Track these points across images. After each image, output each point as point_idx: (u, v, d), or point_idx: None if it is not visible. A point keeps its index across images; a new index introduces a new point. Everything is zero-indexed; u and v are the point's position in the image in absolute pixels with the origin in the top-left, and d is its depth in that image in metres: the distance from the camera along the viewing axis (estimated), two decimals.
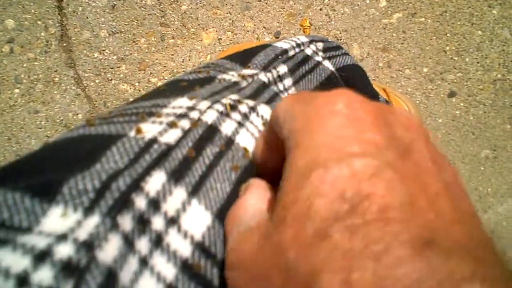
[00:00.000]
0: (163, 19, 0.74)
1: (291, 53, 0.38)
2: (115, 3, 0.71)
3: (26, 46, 0.68)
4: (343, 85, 0.42)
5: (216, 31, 0.77)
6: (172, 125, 0.24)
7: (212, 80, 0.31)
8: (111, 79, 0.73)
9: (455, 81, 0.90)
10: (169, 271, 0.19)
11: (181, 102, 0.26)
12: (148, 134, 0.23)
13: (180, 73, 0.76)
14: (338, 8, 0.85)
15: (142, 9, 0.73)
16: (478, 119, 0.90)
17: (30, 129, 0.70)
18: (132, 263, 0.18)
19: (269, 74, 0.34)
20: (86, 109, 0.72)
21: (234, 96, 0.29)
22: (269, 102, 0.31)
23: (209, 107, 0.27)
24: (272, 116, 0.21)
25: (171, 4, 0.74)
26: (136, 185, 0.20)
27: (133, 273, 0.18)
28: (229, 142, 0.25)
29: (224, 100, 0.28)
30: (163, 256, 0.20)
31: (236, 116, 0.27)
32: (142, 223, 0.20)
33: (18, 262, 0.16)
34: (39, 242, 0.17)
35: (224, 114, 0.26)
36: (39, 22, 0.69)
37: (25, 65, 0.69)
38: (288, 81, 0.35)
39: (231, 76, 0.32)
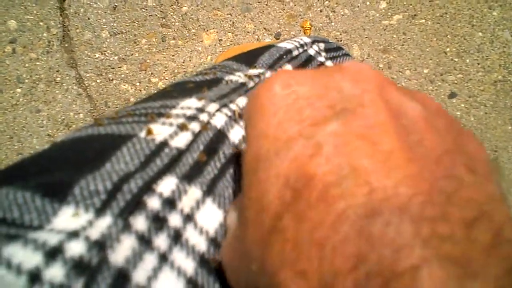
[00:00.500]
0: (164, 20, 0.74)
1: (295, 53, 0.39)
2: (116, 4, 0.72)
3: (28, 46, 0.69)
4: None
5: (217, 32, 0.78)
6: (182, 127, 0.25)
7: (219, 81, 0.31)
8: (112, 79, 0.73)
9: (455, 82, 0.90)
10: (189, 265, 0.19)
11: (190, 103, 0.27)
12: (159, 137, 0.24)
13: (180, 73, 0.77)
14: (338, 9, 0.86)
15: (143, 10, 0.73)
16: (479, 120, 0.89)
17: (31, 128, 0.71)
18: (149, 260, 0.19)
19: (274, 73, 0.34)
20: (87, 109, 0.72)
21: (242, 102, 0.29)
22: None
23: (217, 110, 0.27)
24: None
25: (172, 5, 0.74)
26: (148, 187, 0.20)
27: (151, 270, 0.18)
28: (237, 148, 0.26)
29: (232, 106, 0.28)
30: (182, 251, 0.20)
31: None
32: (159, 221, 0.20)
33: (29, 258, 0.17)
34: (50, 238, 0.17)
35: (232, 119, 0.27)
36: (41, 23, 0.69)
37: (27, 65, 0.70)
38: None
39: (238, 77, 0.32)
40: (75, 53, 0.71)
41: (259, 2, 0.79)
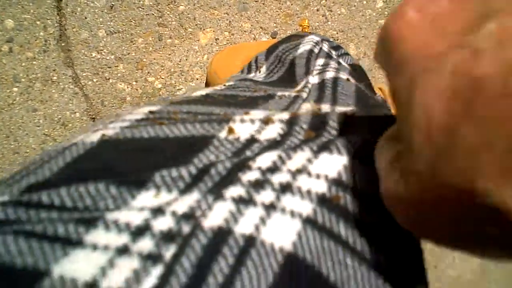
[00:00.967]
0: (160, 19, 0.74)
1: (315, 50, 0.40)
2: (113, 3, 0.72)
3: (25, 45, 0.69)
4: (366, 73, 0.43)
5: (213, 31, 0.78)
6: (267, 121, 0.24)
7: (272, 97, 0.30)
8: (109, 78, 0.73)
9: None
10: (305, 207, 0.19)
11: (258, 114, 0.25)
12: (242, 135, 0.23)
13: (177, 72, 0.77)
14: (335, 8, 0.86)
15: (140, 9, 0.73)
16: None
17: (28, 127, 0.71)
18: (253, 212, 0.18)
19: (315, 73, 0.35)
20: (84, 108, 0.73)
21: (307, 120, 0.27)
22: (334, 93, 0.31)
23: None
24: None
25: (168, 4, 0.75)
26: (243, 165, 0.20)
27: (259, 219, 0.18)
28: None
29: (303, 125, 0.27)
30: (294, 197, 0.19)
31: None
32: (259, 184, 0.19)
33: (115, 240, 0.16)
34: (134, 218, 0.17)
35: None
36: (38, 22, 0.70)
37: (23, 64, 0.70)
38: (331, 67, 0.36)
39: (289, 92, 0.32)
40: (72, 52, 0.71)
41: (256, 1, 0.79)
